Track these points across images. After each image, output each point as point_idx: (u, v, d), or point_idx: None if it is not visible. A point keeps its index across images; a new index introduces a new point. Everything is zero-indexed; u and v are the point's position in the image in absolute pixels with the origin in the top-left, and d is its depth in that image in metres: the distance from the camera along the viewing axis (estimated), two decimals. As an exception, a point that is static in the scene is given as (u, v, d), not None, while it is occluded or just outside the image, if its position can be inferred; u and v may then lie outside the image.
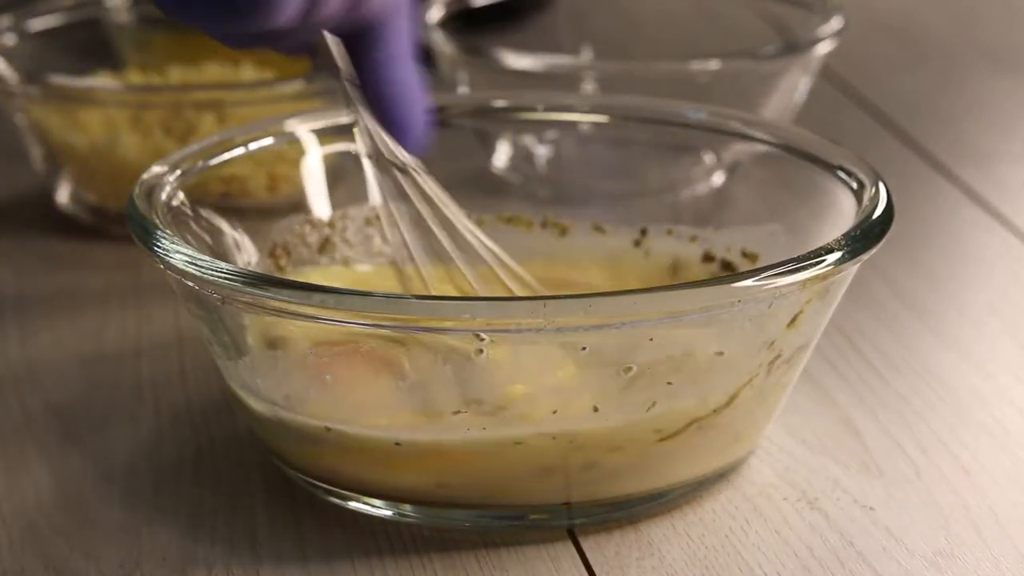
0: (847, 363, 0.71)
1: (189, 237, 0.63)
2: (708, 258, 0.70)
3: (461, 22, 0.95)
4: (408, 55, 0.60)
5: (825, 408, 0.68)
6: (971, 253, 0.84)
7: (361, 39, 0.60)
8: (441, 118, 0.73)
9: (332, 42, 0.60)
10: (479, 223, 0.68)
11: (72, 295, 0.79)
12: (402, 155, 0.62)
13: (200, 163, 0.66)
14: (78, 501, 0.62)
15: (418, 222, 0.62)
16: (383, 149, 0.62)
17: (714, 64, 0.87)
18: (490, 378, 0.56)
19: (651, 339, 0.56)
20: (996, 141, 0.99)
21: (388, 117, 0.61)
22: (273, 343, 0.58)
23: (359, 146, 0.62)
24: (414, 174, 0.62)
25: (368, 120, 0.61)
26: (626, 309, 0.54)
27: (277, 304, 0.55)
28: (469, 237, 0.63)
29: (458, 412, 0.56)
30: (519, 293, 0.63)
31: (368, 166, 0.62)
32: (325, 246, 0.70)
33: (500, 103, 0.75)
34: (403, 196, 0.63)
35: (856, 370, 0.71)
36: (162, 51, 0.97)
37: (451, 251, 0.62)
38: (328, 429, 0.58)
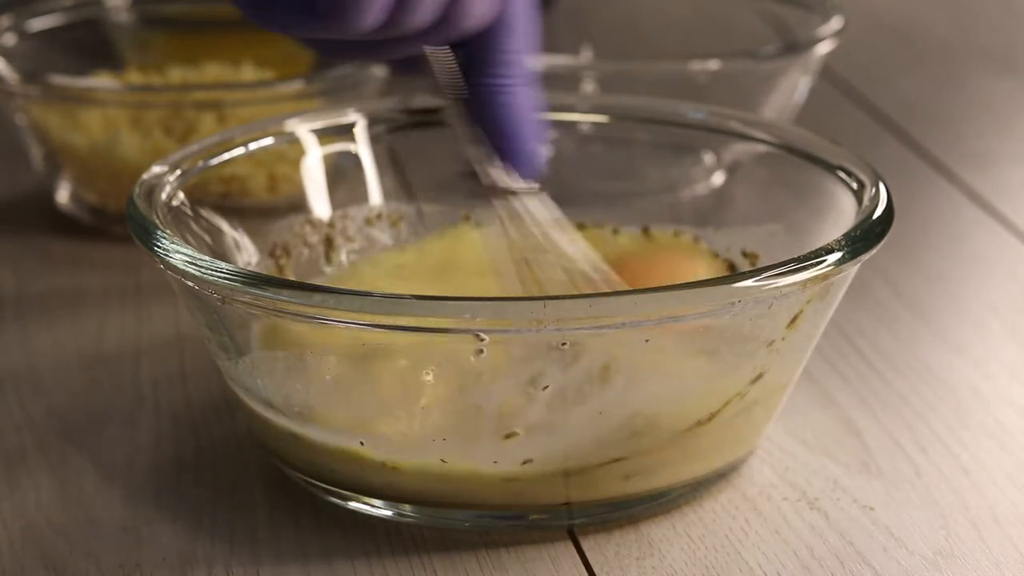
0: (847, 363, 0.71)
1: (189, 237, 0.63)
2: (712, 257, 0.70)
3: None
4: (523, 75, 0.57)
5: (825, 408, 0.68)
6: (971, 253, 0.84)
7: (472, 56, 0.57)
8: (441, 118, 0.73)
9: (439, 55, 0.57)
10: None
11: (72, 295, 0.79)
12: (510, 180, 0.60)
13: (200, 163, 0.66)
14: (78, 501, 0.62)
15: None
16: (488, 173, 0.59)
17: (714, 64, 0.87)
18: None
19: (647, 340, 0.56)
20: (996, 141, 0.99)
21: (497, 142, 0.58)
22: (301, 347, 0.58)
23: (465, 163, 0.60)
24: (524, 197, 0.60)
25: (478, 139, 0.59)
26: (626, 309, 0.54)
27: (277, 304, 0.55)
28: (584, 265, 0.60)
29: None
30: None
31: (477, 187, 0.60)
32: (328, 246, 0.70)
33: (500, 103, 0.75)
34: (511, 221, 0.60)
35: (856, 370, 0.71)
36: (162, 51, 0.97)
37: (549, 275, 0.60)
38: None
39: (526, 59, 0.58)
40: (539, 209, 0.61)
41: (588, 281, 0.60)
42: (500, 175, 0.60)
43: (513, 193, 0.60)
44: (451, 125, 0.59)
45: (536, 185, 0.60)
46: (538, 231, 0.60)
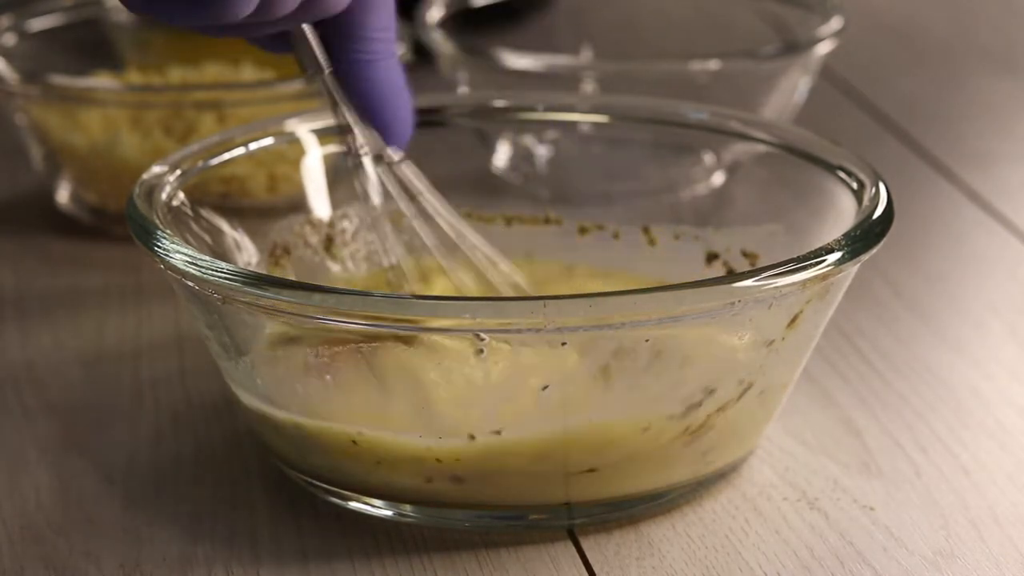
0: (847, 363, 0.71)
1: (189, 237, 0.63)
2: (712, 257, 0.70)
3: (461, 22, 0.95)
4: (390, 50, 0.61)
5: (825, 408, 0.68)
6: (971, 253, 0.84)
7: (337, 33, 0.60)
8: (441, 118, 0.73)
9: (309, 34, 0.60)
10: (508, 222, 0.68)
11: (72, 295, 0.79)
12: (384, 149, 0.62)
13: (200, 163, 0.66)
14: (78, 501, 0.62)
15: (400, 217, 0.63)
16: (363, 144, 0.62)
17: (714, 64, 0.87)
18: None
19: (647, 340, 0.56)
20: (996, 141, 0.99)
21: (370, 113, 0.61)
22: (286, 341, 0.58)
23: (340, 141, 0.63)
24: (397, 169, 0.63)
25: (349, 114, 0.61)
26: (626, 309, 0.54)
27: (277, 304, 0.55)
28: (450, 232, 0.63)
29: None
30: (501, 288, 0.64)
31: (350, 162, 0.63)
32: (329, 246, 0.70)
33: (500, 103, 0.75)
34: (385, 192, 0.63)
35: (856, 370, 0.71)
36: (162, 51, 0.97)
37: (432, 247, 0.63)
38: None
39: (389, 34, 0.60)
40: (412, 177, 0.63)
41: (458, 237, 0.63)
42: (371, 145, 0.62)
43: (385, 162, 0.62)
44: (327, 99, 0.62)
45: (403, 154, 0.63)
46: (411, 197, 0.63)
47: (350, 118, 0.62)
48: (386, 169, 0.63)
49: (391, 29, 0.61)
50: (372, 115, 0.61)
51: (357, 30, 0.60)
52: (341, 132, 0.62)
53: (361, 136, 0.62)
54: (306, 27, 0.60)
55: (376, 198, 0.63)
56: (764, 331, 0.58)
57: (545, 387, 0.56)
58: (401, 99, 0.62)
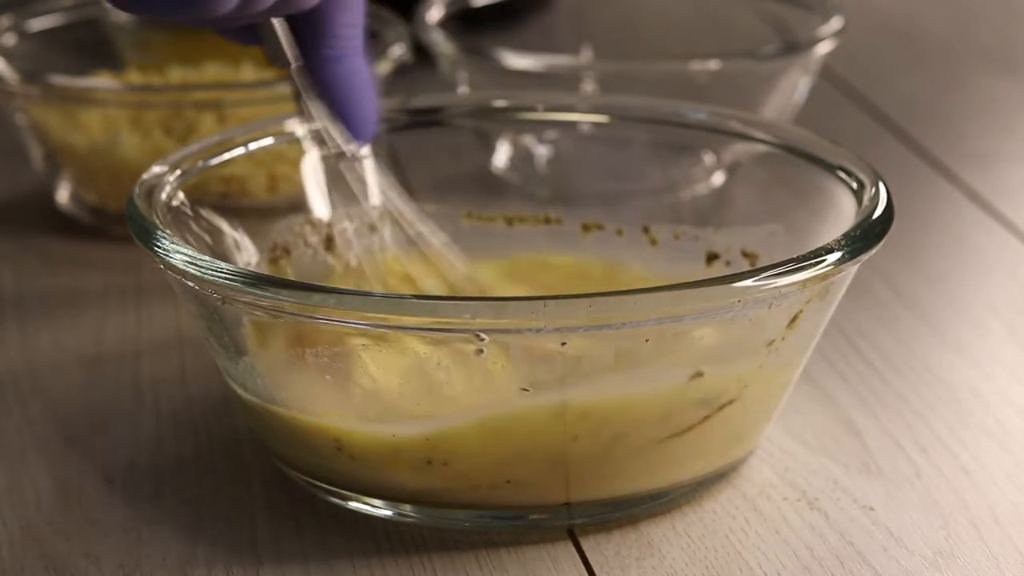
0: (847, 363, 0.71)
1: (189, 237, 0.63)
2: (712, 257, 0.70)
3: (461, 22, 0.95)
4: (357, 46, 0.61)
5: (825, 408, 0.68)
6: (971, 253, 0.84)
7: (307, 29, 0.60)
8: (441, 118, 0.73)
9: (278, 27, 0.60)
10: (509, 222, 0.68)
11: (72, 295, 0.79)
12: (349, 145, 0.63)
13: (200, 163, 0.66)
14: (78, 501, 0.62)
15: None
16: (328, 138, 0.63)
17: (714, 64, 0.87)
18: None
19: (647, 340, 0.56)
20: (996, 141, 0.99)
21: (336, 109, 0.62)
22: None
23: (302, 134, 0.64)
24: (361, 164, 0.63)
25: (314, 109, 0.62)
26: (626, 309, 0.54)
27: (277, 304, 0.55)
28: (408, 229, 0.64)
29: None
30: (459, 289, 0.64)
31: (315, 155, 0.64)
32: (329, 246, 0.70)
33: (500, 103, 0.75)
34: (347, 187, 0.64)
35: (856, 370, 0.71)
36: (162, 51, 0.97)
37: (389, 241, 0.64)
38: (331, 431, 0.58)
39: (356, 31, 0.61)
40: (373, 175, 0.64)
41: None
42: (339, 140, 0.62)
43: (351, 157, 0.63)
44: (293, 93, 0.62)
45: (369, 150, 0.63)
46: (377, 193, 0.64)
47: (315, 113, 0.62)
48: (348, 165, 0.63)
49: (359, 26, 0.61)
50: (338, 110, 0.62)
51: (326, 26, 0.60)
52: (311, 126, 0.63)
53: (325, 128, 0.62)
54: (276, 21, 0.60)
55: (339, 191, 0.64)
56: (764, 331, 0.58)
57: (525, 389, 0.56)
58: (366, 95, 0.62)
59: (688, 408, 0.58)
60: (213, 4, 0.54)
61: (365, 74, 0.62)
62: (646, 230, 0.72)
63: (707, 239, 0.71)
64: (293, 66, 0.61)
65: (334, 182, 0.71)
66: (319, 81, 0.61)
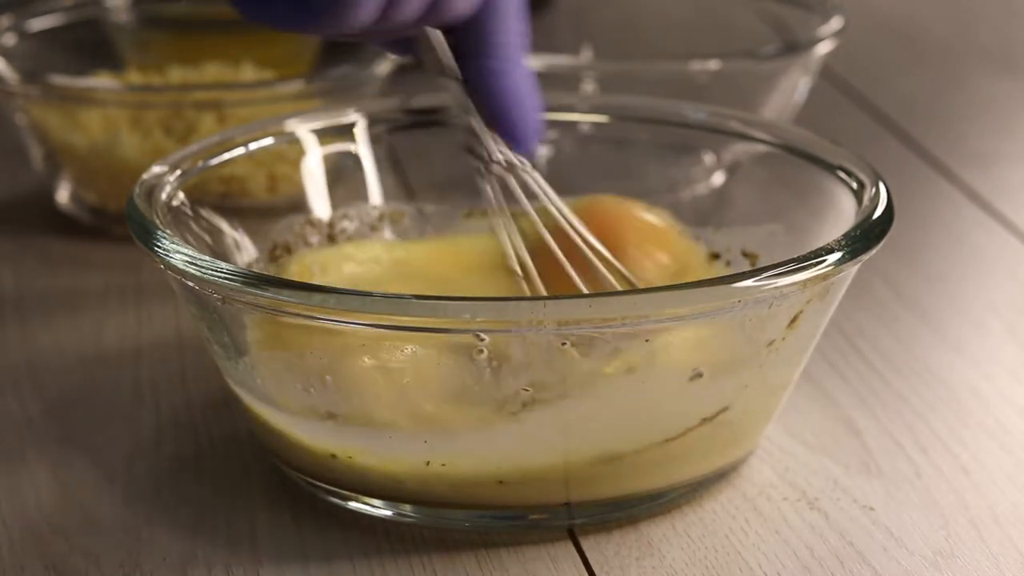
0: (847, 363, 0.71)
1: (189, 237, 0.63)
2: (714, 258, 0.70)
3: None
4: (516, 56, 0.59)
5: (825, 408, 0.68)
6: (971, 253, 0.84)
7: (466, 40, 0.59)
8: (441, 118, 0.73)
9: (434, 39, 0.58)
10: None
11: (72, 295, 0.79)
12: (509, 154, 0.61)
13: (200, 163, 0.66)
14: (78, 501, 0.62)
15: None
16: (489, 149, 0.61)
17: (714, 64, 0.87)
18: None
19: (647, 340, 0.56)
20: (996, 141, 0.99)
21: (497, 120, 0.60)
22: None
23: (463, 141, 0.61)
24: (522, 173, 0.61)
25: (475, 122, 0.60)
26: (626, 309, 0.54)
27: (277, 304, 0.55)
28: (573, 235, 0.62)
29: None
30: (618, 287, 0.63)
31: (475, 164, 0.62)
32: (329, 246, 0.70)
33: (500, 103, 0.75)
34: (509, 195, 0.62)
35: (856, 370, 0.71)
36: (162, 51, 0.97)
37: (555, 249, 0.61)
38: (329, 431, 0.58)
39: (517, 40, 0.59)
40: (540, 183, 0.62)
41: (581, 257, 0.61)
42: (500, 152, 0.61)
43: (513, 168, 0.61)
44: (454, 103, 0.60)
45: (533, 161, 0.62)
46: (544, 201, 0.62)
47: (476, 125, 0.60)
48: (513, 175, 0.61)
49: (519, 35, 0.59)
50: (499, 122, 0.60)
51: (486, 36, 0.58)
52: (468, 136, 0.61)
53: (488, 142, 0.61)
54: (433, 32, 0.58)
55: (497, 203, 0.61)
56: (764, 331, 0.58)
57: (526, 389, 0.56)
58: (529, 107, 0.60)
59: (688, 408, 0.58)
60: (347, 16, 0.53)
61: (527, 85, 0.60)
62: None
63: (707, 239, 0.70)
64: (453, 79, 0.59)
65: (333, 183, 0.71)
66: (480, 94, 0.59)
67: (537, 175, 0.62)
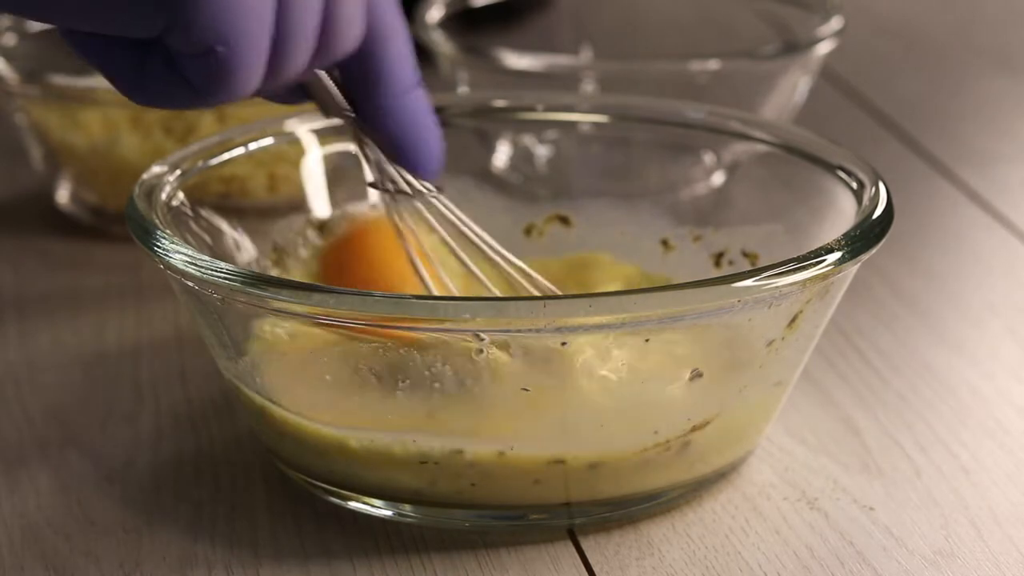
0: (847, 363, 0.71)
1: (189, 237, 0.63)
2: (718, 258, 0.70)
3: (461, 22, 0.95)
4: (408, 81, 0.58)
5: (825, 408, 0.68)
6: (971, 253, 0.84)
7: (355, 72, 0.57)
8: (441, 118, 0.73)
9: (325, 80, 0.57)
10: None
11: (72, 295, 0.79)
12: (415, 183, 0.60)
13: (200, 163, 0.66)
14: (78, 501, 0.62)
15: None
16: (393, 179, 0.60)
17: (714, 64, 0.87)
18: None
19: (647, 340, 0.56)
20: (996, 141, 0.99)
21: (396, 151, 0.59)
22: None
23: (367, 176, 0.61)
24: (430, 200, 0.61)
25: (373, 153, 0.59)
26: (626, 309, 0.54)
27: (277, 304, 0.55)
28: (494, 256, 0.61)
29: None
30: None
31: (379, 196, 0.61)
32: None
33: (500, 103, 0.75)
34: (420, 222, 0.61)
35: (856, 370, 0.71)
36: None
37: (477, 275, 0.61)
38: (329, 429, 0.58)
39: (406, 63, 0.58)
40: (449, 207, 0.61)
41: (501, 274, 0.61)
42: (403, 181, 0.60)
43: (418, 195, 0.61)
44: (352, 139, 0.60)
45: (436, 187, 0.61)
46: (450, 229, 0.61)
47: (374, 157, 0.60)
48: (422, 202, 0.61)
49: (407, 59, 0.58)
50: (399, 152, 0.58)
51: (374, 66, 0.57)
52: (371, 170, 0.60)
53: (392, 173, 0.60)
54: (320, 74, 0.57)
55: (409, 230, 0.61)
56: (764, 331, 0.58)
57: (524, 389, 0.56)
58: (426, 132, 0.59)
59: (688, 408, 0.58)
60: (233, 86, 0.52)
61: (423, 110, 0.58)
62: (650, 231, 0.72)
63: (707, 239, 0.70)
64: (347, 116, 0.58)
65: (333, 183, 0.71)
66: (377, 125, 0.58)
67: (444, 199, 0.61)
